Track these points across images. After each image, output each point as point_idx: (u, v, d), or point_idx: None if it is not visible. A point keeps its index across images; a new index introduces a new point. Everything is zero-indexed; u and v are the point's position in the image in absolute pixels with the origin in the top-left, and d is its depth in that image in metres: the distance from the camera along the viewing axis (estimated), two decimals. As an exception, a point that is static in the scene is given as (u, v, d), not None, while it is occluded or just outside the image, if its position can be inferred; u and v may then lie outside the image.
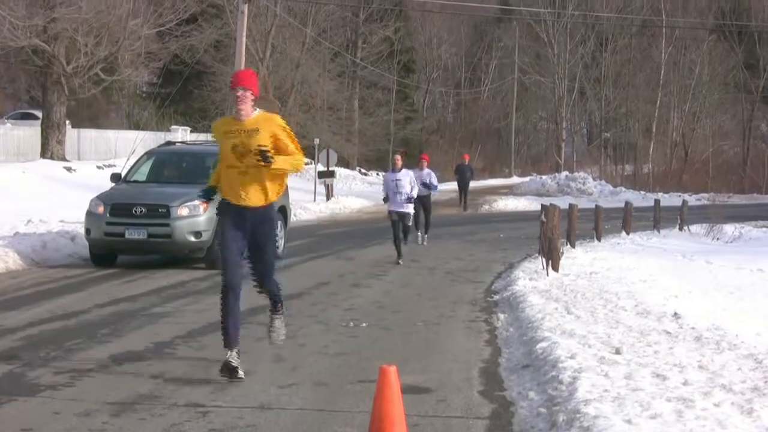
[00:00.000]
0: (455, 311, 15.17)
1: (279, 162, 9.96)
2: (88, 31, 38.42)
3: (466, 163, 48.53)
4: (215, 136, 10.48)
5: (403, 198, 22.23)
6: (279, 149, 10.02)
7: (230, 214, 10.12)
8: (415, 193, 22.63)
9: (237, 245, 10.05)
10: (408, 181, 22.43)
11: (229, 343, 10.01)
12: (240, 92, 9.98)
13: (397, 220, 22.05)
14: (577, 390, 8.82)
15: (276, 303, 10.80)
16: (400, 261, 21.81)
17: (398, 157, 23.40)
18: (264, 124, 10.03)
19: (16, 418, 8.39)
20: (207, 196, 10.67)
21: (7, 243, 19.88)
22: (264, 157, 9.83)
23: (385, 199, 22.54)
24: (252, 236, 10.07)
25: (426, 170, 26.98)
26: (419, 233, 26.92)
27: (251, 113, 10.07)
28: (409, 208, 22.54)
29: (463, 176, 47.18)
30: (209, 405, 8.81)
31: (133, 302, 15.08)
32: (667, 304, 16.11)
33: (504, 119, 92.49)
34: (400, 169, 22.61)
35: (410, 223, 22.90)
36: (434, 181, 27.32)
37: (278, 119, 10.22)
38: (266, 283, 10.43)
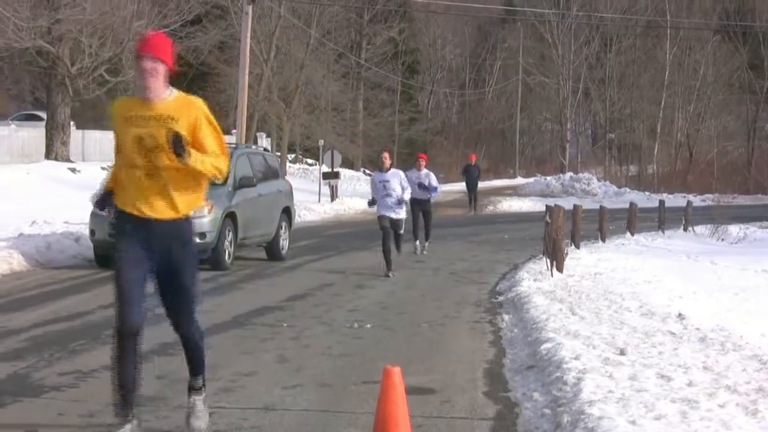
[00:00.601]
0: (459, 312, 15.17)
1: (195, 159, 7.36)
2: (92, 32, 38.42)
3: (473, 163, 47.62)
4: (112, 120, 7.68)
5: (393, 201, 19.89)
6: (195, 144, 7.45)
7: (130, 231, 7.52)
8: (407, 196, 20.26)
9: (137, 274, 7.49)
10: (398, 182, 20.00)
11: (123, 408, 7.60)
12: (148, 63, 7.42)
13: (388, 226, 19.74)
14: (581, 391, 8.81)
15: (198, 367, 8.05)
16: (390, 273, 19.47)
17: (386, 155, 20.79)
18: (183, 111, 7.48)
19: (20, 419, 8.38)
20: (101, 204, 7.81)
21: (12, 244, 19.88)
22: (176, 145, 7.26)
23: (371, 203, 20.27)
24: (162, 261, 7.55)
25: (424, 171, 24.58)
26: (417, 243, 24.36)
27: (164, 94, 7.50)
28: (401, 213, 20.24)
29: (471, 177, 46.49)
30: (213, 406, 8.79)
31: (137, 303, 15.05)
32: (671, 305, 16.10)
33: (508, 120, 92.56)
34: (389, 169, 20.17)
35: (402, 231, 20.60)
36: (434, 182, 24.76)
37: (202, 105, 7.63)
38: (185, 324, 7.84)
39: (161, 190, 7.44)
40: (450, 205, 48.65)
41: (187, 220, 7.64)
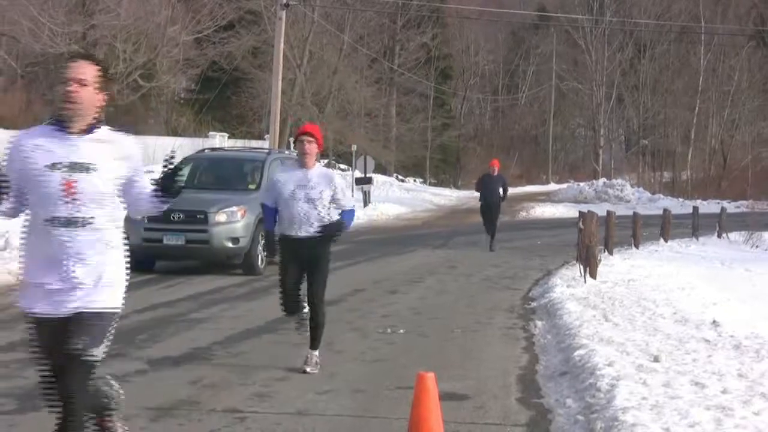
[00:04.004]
0: (492, 318, 15.14)
1: None
2: (126, 37, 38.70)
3: (496, 172, 28.22)
4: None
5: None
6: None
7: None
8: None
9: None
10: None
11: None
12: None
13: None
14: (615, 398, 8.77)
15: None
16: None
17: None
18: None
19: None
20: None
21: (47, 248, 19.98)
22: None
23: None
24: None
25: (317, 170, 10.93)
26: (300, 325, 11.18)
27: None
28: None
29: (490, 193, 27.94)
30: (247, 411, 8.82)
31: (170, 308, 15.13)
32: (705, 311, 16.02)
33: (541, 126, 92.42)
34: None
35: None
36: (344, 199, 11.00)
37: None
38: None
39: None
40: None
41: None
